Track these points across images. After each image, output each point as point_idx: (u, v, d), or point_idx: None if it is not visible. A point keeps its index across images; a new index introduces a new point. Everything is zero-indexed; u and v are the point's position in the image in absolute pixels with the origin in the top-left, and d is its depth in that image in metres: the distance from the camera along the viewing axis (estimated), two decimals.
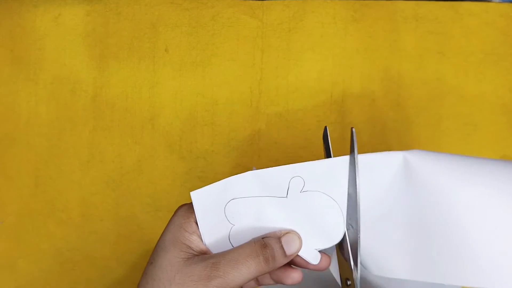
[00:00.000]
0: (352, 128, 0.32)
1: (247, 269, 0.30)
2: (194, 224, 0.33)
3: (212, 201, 0.33)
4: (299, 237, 0.33)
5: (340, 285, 0.34)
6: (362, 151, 0.48)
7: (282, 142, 0.49)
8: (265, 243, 0.32)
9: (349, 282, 0.33)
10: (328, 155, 0.35)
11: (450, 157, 0.32)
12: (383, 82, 0.48)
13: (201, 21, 0.49)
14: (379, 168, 0.32)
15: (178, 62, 0.49)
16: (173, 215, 0.34)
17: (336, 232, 0.33)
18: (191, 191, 0.33)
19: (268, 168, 0.33)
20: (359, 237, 0.32)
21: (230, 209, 0.33)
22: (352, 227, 0.32)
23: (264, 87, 0.49)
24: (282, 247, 0.32)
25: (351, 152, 0.32)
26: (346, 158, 0.32)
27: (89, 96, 0.50)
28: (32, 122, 0.50)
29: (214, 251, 0.33)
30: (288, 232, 0.33)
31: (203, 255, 0.32)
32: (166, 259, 0.31)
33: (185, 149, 0.49)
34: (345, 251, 0.33)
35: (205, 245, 0.33)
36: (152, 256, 0.33)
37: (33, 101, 0.50)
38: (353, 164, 0.32)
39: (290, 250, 0.32)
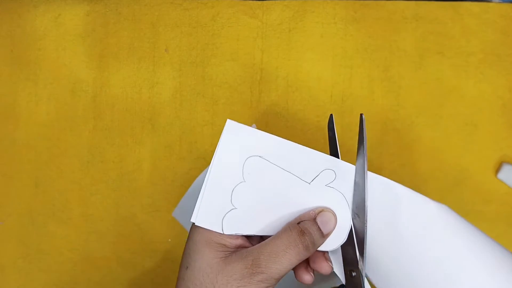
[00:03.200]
0: (361, 114, 0.31)
1: (288, 260, 0.30)
2: None
3: (241, 140, 0.31)
4: (334, 214, 0.32)
5: (340, 277, 0.33)
6: None
7: None
8: (303, 230, 0.31)
9: (354, 274, 0.32)
10: (333, 145, 0.34)
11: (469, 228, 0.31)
12: (383, 82, 0.48)
13: (201, 21, 0.49)
14: (412, 205, 0.31)
15: (178, 62, 0.49)
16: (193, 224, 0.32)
17: (341, 236, 0.32)
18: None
19: (309, 148, 0.32)
20: (366, 226, 0.31)
21: (251, 164, 0.32)
22: (359, 216, 0.32)
23: (264, 87, 0.49)
24: (319, 229, 0.31)
25: (360, 140, 0.32)
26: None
27: (89, 96, 0.50)
28: (32, 122, 0.50)
29: (207, 202, 0.31)
30: (322, 210, 0.32)
31: (240, 250, 0.31)
32: (203, 261, 0.31)
33: (185, 149, 0.49)
34: (350, 241, 0.32)
35: (208, 178, 0.31)
36: (185, 260, 0.32)
37: (33, 101, 0.50)
38: (362, 153, 0.31)
39: (327, 229, 0.31)
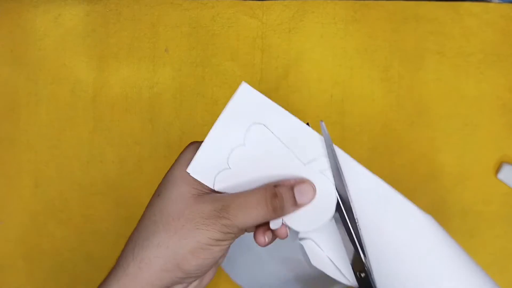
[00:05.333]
0: (321, 121, 0.32)
1: (255, 215, 0.30)
2: None
3: (251, 105, 0.32)
4: (314, 188, 0.32)
5: (351, 280, 0.33)
6: (362, 150, 0.48)
7: None
8: (276, 193, 0.31)
9: (362, 275, 0.32)
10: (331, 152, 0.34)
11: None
12: (383, 82, 0.48)
13: (201, 21, 0.49)
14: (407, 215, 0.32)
15: (178, 62, 0.49)
16: (183, 151, 0.33)
17: (321, 219, 0.32)
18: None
19: (314, 132, 0.32)
20: (359, 228, 0.32)
21: (255, 130, 0.32)
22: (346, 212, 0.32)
23: (264, 87, 0.49)
24: (293, 197, 0.31)
25: (327, 146, 0.32)
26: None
27: (89, 96, 0.50)
28: (32, 122, 0.50)
29: (204, 155, 0.32)
30: (303, 181, 0.32)
31: (213, 194, 0.32)
32: (176, 193, 0.31)
33: None
34: (351, 241, 0.32)
35: (208, 136, 0.32)
36: (159, 189, 0.33)
37: (33, 101, 0.50)
38: (332, 161, 0.32)
39: (302, 199, 0.32)
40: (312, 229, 0.32)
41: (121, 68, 0.50)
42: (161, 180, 0.33)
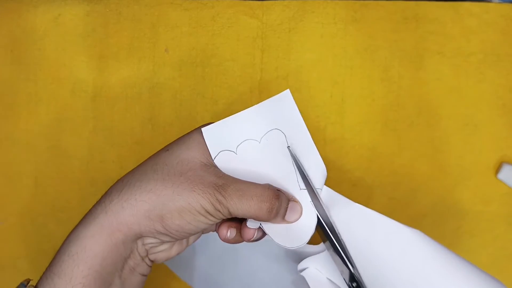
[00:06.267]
0: (288, 147, 0.33)
1: (248, 205, 0.31)
2: None
3: (283, 114, 0.33)
4: (302, 211, 0.33)
5: None
6: (362, 151, 0.48)
7: None
8: (279, 195, 0.31)
9: (354, 285, 0.33)
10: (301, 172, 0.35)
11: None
12: (383, 82, 0.48)
13: (201, 21, 0.49)
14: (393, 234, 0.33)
15: (178, 62, 0.49)
16: (203, 124, 0.34)
17: (301, 239, 0.33)
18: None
19: (321, 168, 0.33)
20: (339, 232, 0.33)
21: (274, 136, 0.33)
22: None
23: (264, 87, 0.49)
24: (286, 209, 0.32)
25: (299, 170, 0.33)
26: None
27: (89, 97, 0.50)
28: (32, 122, 0.50)
29: (222, 128, 0.33)
30: (296, 200, 0.33)
31: (219, 170, 0.32)
32: (186, 153, 0.32)
33: None
34: (339, 255, 0.33)
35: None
36: (170, 145, 0.33)
37: (33, 101, 0.50)
38: (308, 184, 0.33)
39: (289, 216, 0.32)
40: (285, 246, 0.33)
41: (121, 68, 0.50)
42: (175, 140, 0.33)
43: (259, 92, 0.49)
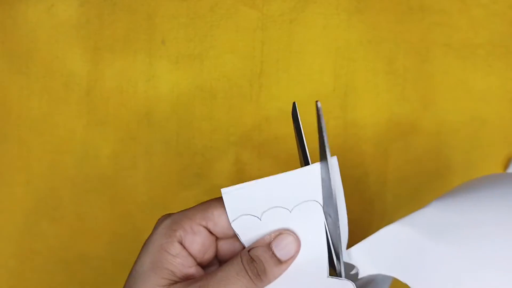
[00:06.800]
0: (317, 102, 0.28)
1: (239, 287, 0.27)
2: (177, 244, 0.28)
3: (312, 185, 0.29)
4: (295, 237, 0.29)
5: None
6: (366, 146, 0.47)
7: (283, 137, 0.48)
8: (252, 257, 0.28)
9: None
10: (299, 135, 0.32)
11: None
12: (387, 75, 0.47)
13: (199, 12, 0.48)
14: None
15: (175, 55, 0.48)
16: (153, 232, 0.30)
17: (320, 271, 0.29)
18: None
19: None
20: (339, 226, 0.28)
21: (306, 208, 0.29)
22: (330, 216, 0.29)
23: (265, 80, 0.48)
24: (273, 255, 0.28)
25: (319, 130, 0.28)
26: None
27: (83, 90, 0.49)
28: (24, 116, 0.49)
29: (247, 192, 0.28)
30: (280, 232, 0.29)
31: (187, 280, 0.28)
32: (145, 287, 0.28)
33: (182, 145, 0.48)
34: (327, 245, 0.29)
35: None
36: (127, 284, 0.29)
37: (24, 95, 0.49)
38: (323, 145, 0.28)
39: (285, 254, 0.28)
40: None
41: (116, 60, 0.48)
42: (130, 272, 0.30)
43: (259, 86, 0.48)
